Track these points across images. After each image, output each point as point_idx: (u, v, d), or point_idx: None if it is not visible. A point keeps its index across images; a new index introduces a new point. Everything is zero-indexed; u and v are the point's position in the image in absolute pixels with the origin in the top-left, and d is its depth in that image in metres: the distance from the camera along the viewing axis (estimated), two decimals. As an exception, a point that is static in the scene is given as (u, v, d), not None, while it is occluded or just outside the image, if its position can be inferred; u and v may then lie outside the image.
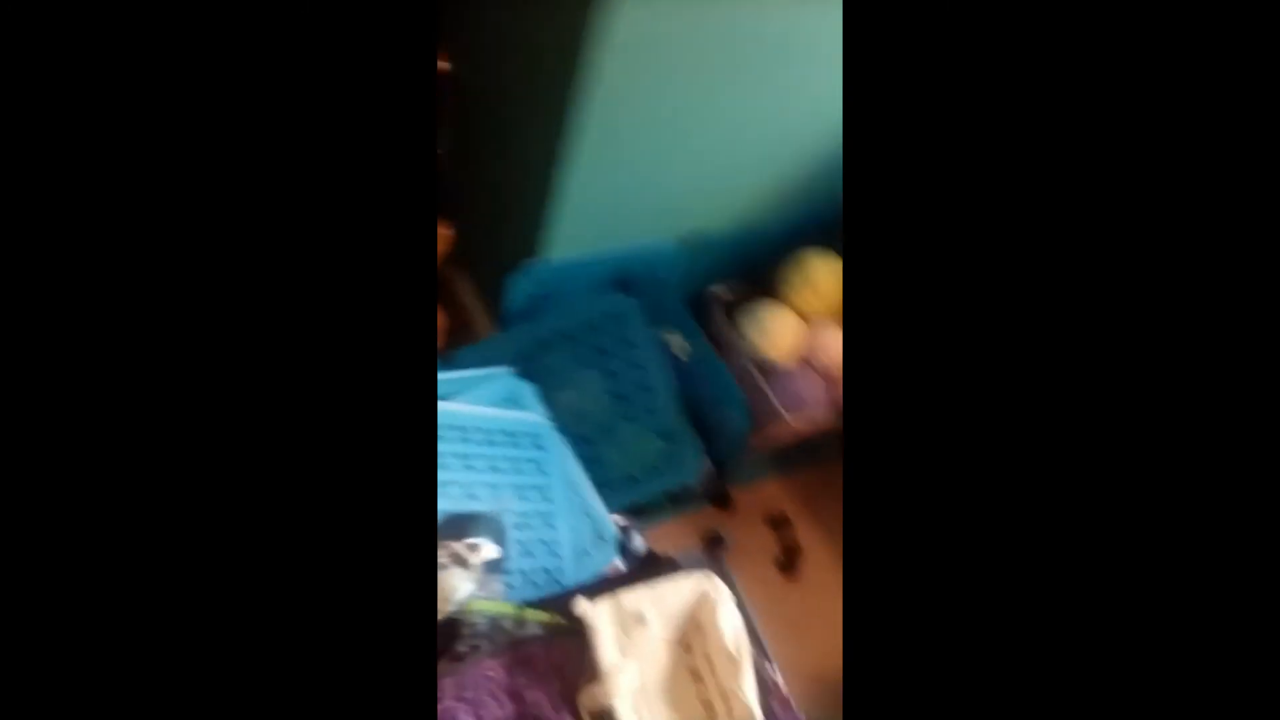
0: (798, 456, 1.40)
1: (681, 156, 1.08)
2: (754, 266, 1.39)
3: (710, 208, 1.23)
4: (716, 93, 1.00)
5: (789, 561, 1.28)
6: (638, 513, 1.19)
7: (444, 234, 1.22)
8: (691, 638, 0.85)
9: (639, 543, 1.07)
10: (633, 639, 0.82)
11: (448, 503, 0.98)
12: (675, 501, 1.23)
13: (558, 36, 0.89)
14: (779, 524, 1.32)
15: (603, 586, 0.89)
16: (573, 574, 1.03)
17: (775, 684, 0.91)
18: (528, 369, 1.19)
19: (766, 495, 1.35)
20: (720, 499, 1.29)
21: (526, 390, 1.15)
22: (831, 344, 1.27)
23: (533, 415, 1.12)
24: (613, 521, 1.10)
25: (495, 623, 0.82)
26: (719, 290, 1.36)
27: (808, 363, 1.28)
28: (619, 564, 1.04)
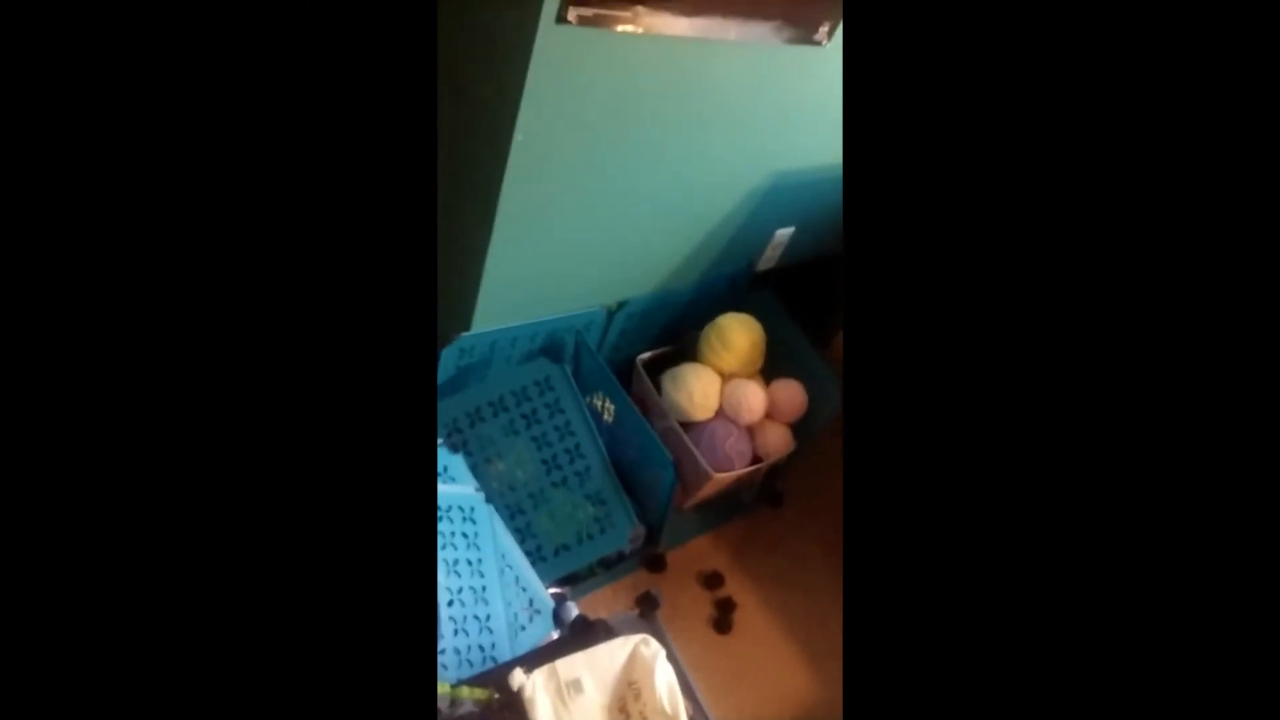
0: (723, 511, 1.43)
1: (605, 230, 1.14)
2: (673, 330, 1.46)
3: (631, 277, 1.29)
4: (639, 163, 1.07)
5: (723, 617, 1.30)
6: (572, 581, 1.20)
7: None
8: (628, 700, 0.86)
9: (574, 612, 1.07)
10: (570, 707, 0.82)
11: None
12: (608, 567, 1.24)
13: (482, 121, 0.94)
14: (711, 582, 1.34)
15: (539, 657, 0.89)
16: (508, 649, 1.02)
17: (714, 741, 0.92)
18: (457, 441, 1.20)
19: (697, 553, 1.38)
20: (652, 562, 1.31)
21: (457, 463, 1.15)
22: (749, 398, 1.33)
23: (464, 488, 1.12)
24: (547, 593, 1.10)
25: (429, 704, 0.81)
26: (641, 354, 1.41)
27: (728, 419, 1.34)
28: (554, 635, 1.04)
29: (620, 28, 0.85)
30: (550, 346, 1.27)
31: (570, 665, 0.84)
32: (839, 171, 1.34)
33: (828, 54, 1.08)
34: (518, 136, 0.90)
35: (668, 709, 0.83)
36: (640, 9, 0.84)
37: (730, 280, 1.45)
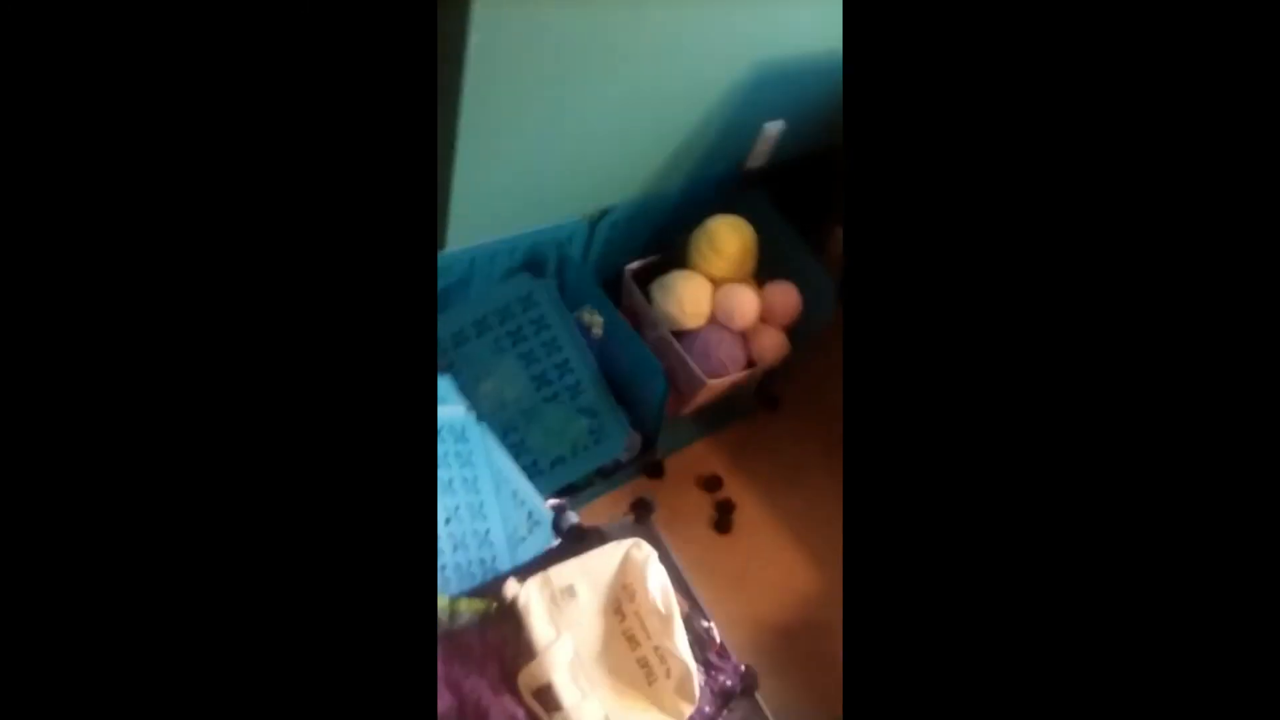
0: (721, 416, 1.43)
1: (579, 133, 1.09)
2: (660, 237, 1.41)
3: (612, 183, 1.24)
4: (608, 62, 1.00)
5: (723, 520, 1.32)
6: (570, 492, 1.21)
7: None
8: (623, 602, 0.88)
9: (573, 520, 1.09)
10: (564, 612, 0.84)
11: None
12: (606, 476, 1.26)
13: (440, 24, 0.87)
14: (710, 484, 1.35)
15: (535, 566, 0.91)
16: (509, 561, 1.05)
17: (711, 638, 0.95)
18: (443, 363, 1.19)
19: (695, 458, 1.39)
20: (651, 468, 1.32)
21: (445, 384, 1.15)
22: (742, 303, 1.30)
23: (454, 408, 1.12)
24: (546, 504, 1.11)
25: (427, 615, 0.83)
26: (629, 264, 1.38)
27: (721, 325, 1.31)
28: (555, 545, 1.06)
29: (571, -100, 0.78)
30: (532, 261, 1.24)
31: (563, 572, 0.86)
32: (829, 60, 1.26)
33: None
34: (473, 37, 0.84)
35: (661, 609, 0.85)
36: (591, -123, 0.76)
37: (718, 181, 1.40)
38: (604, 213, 1.26)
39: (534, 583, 0.84)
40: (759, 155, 1.40)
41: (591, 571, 0.87)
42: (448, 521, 1.04)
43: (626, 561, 0.88)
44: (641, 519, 1.05)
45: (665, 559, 0.92)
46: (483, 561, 1.05)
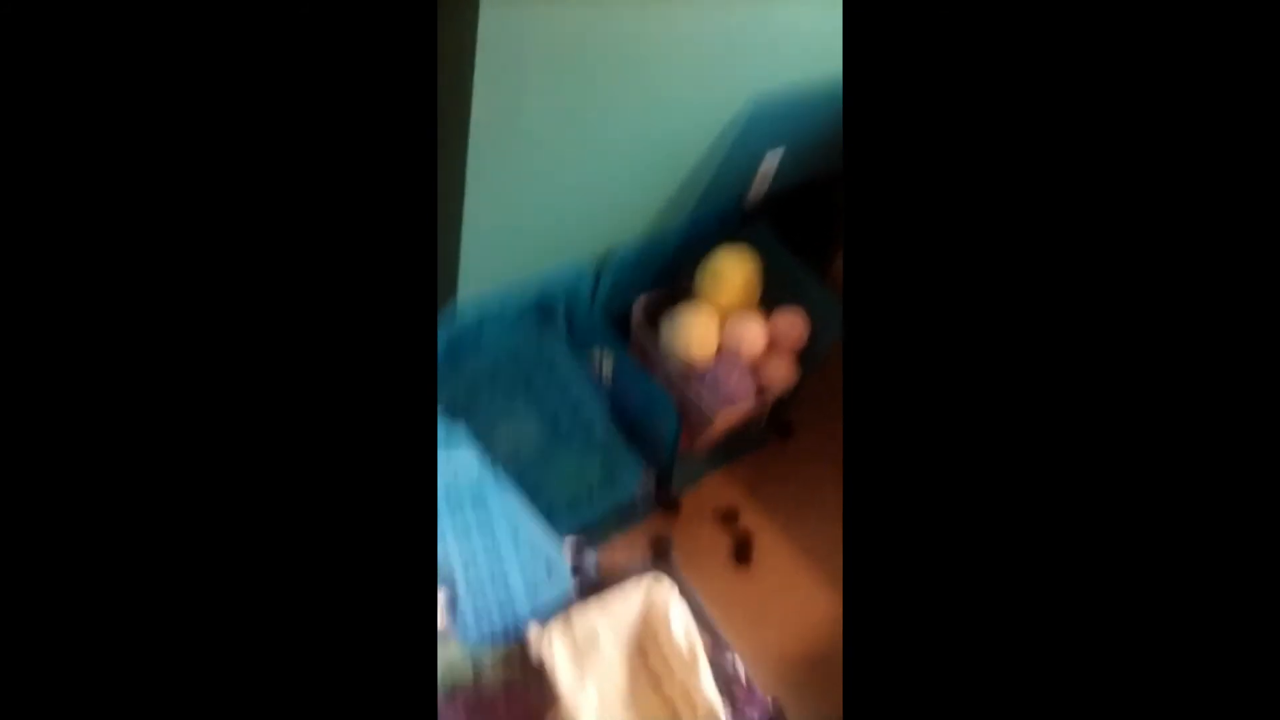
0: (734, 447, 1.44)
1: (584, 176, 1.11)
2: (666, 273, 1.43)
3: (618, 224, 1.26)
4: (607, 104, 1.03)
5: (743, 552, 1.31)
6: (587, 533, 1.22)
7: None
8: (646, 644, 0.88)
9: (592, 562, 1.09)
10: (588, 656, 0.84)
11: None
12: (623, 515, 1.26)
13: (439, 76, 0.90)
14: (728, 517, 1.35)
15: (556, 611, 0.91)
16: (528, 605, 1.05)
17: (736, 673, 0.95)
18: (456, 410, 1.21)
19: (711, 492, 1.39)
20: (667, 505, 1.32)
21: (458, 431, 1.16)
22: (749, 333, 1.31)
23: (466, 454, 1.13)
24: (563, 546, 1.12)
25: (450, 668, 0.84)
26: (636, 302, 1.39)
27: (730, 356, 1.32)
28: (574, 587, 1.07)
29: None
30: (541, 305, 1.26)
31: (585, 615, 0.86)
32: (825, 88, 1.28)
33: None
34: (478, 89, 0.87)
35: (684, 647, 0.86)
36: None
37: (721, 214, 1.42)
38: (610, 254, 1.28)
39: (556, 628, 0.84)
40: (760, 185, 1.42)
41: (613, 613, 0.87)
42: (465, 568, 1.04)
43: (648, 601, 0.88)
44: (662, 558, 1.05)
45: (686, 595, 0.92)
46: (501, 606, 1.05)
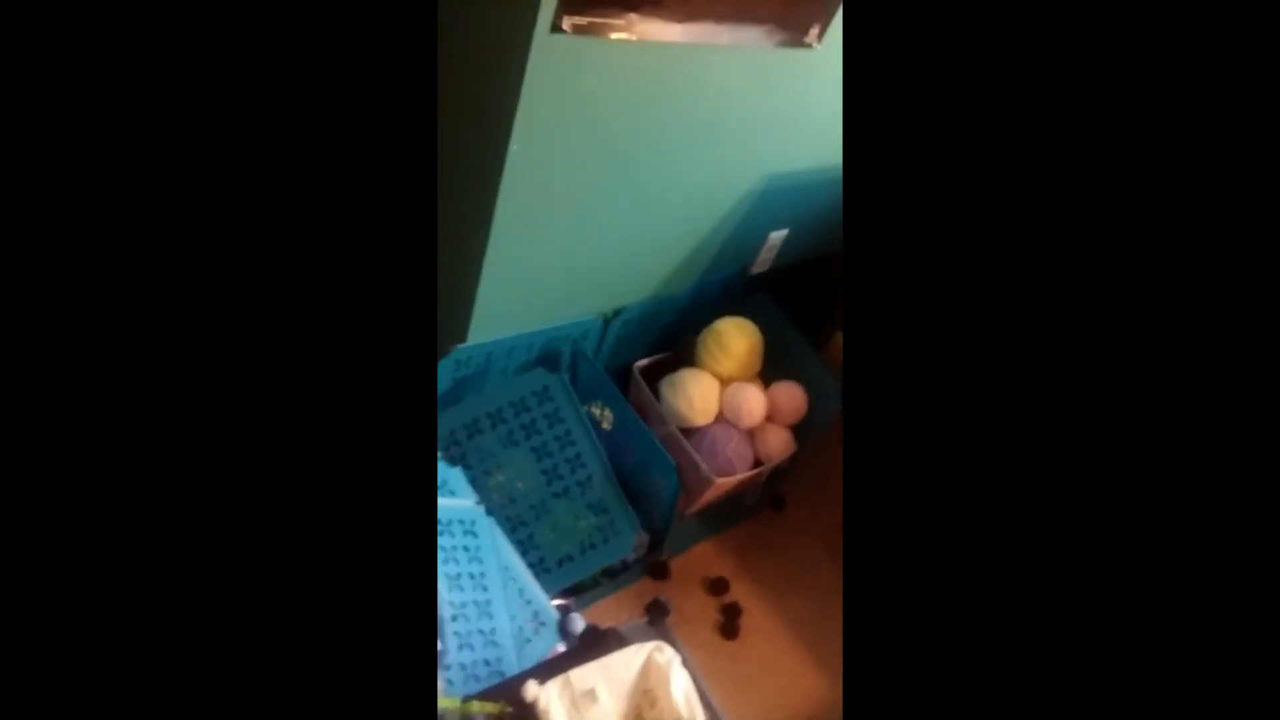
0: (726, 516, 1.43)
1: (599, 239, 1.14)
2: (668, 336, 1.45)
3: (627, 284, 1.29)
4: (633, 173, 1.07)
5: (729, 623, 1.29)
6: (576, 592, 1.18)
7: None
8: (644, 708, 0.85)
9: (579, 623, 1.06)
10: (585, 716, 0.81)
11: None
12: (612, 577, 1.23)
13: (477, 131, 0.93)
14: (716, 587, 1.33)
15: (551, 668, 0.88)
16: (514, 662, 1.01)
17: (729, 748, 0.92)
18: (456, 454, 1.19)
19: (701, 559, 1.37)
20: (656, 569, 1.30)
21: (456, 476, 1.14)
22: (749, 402, 1.33)
23: (464, 501, 1.11)
24: (552, 605, 1.09)
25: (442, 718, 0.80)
26: (637, 361, 1.41)
27: (729, 423, 1.33)
28: (560, 647, 1.03)
29: (614, 35, 0.85)
30: (547, 356, 1.27)
31: (584, 675, 0.83)
32: (831, 173, 1.35)
33: (819, 56, 1.08)
34: (513, 147, 0.90)
35: (684, 715, 0.83)
36: (634, 16, 0.85)
37: (725, 284, 1.46)
38: (617, 311, 1.31)
39: (554, 685, 0.81)
40: (764, 260, 1.47)
41: (613, 675, 0.84)
42: (454, 619, 1.01)
43: (649, 665, 0.85)
44: (656, 622, 1.03)
45: (684, 663, 0.90)
46: (488, 662, 1.01)
